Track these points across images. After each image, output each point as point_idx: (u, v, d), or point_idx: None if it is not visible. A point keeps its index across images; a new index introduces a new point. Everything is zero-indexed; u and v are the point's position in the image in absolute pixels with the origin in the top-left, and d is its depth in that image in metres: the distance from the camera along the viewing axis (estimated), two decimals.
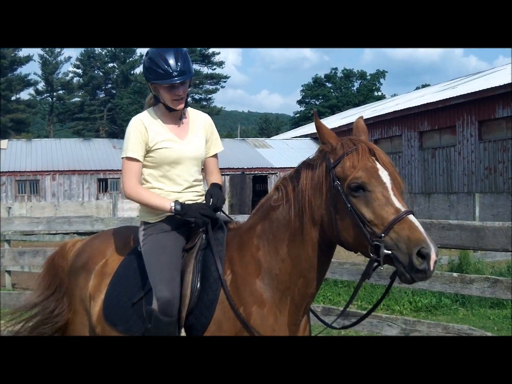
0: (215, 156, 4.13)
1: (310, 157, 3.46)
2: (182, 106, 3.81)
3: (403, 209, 3.00)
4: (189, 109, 4.02)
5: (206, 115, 4.13)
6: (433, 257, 2.87)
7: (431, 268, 2.88)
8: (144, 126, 3.81)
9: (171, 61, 3.68)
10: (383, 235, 2.96)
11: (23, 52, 77.66)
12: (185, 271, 3.54)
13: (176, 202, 3.65)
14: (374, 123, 36.54)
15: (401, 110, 33.80)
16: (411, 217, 2.99)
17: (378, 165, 3.14)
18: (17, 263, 7.57)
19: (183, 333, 3.48)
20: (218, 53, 79.32)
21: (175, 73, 3.67)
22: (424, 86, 69.60)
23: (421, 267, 2.87)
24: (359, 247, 3.14)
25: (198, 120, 4.02)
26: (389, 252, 2.95)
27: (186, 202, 3.76)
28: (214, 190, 3.82)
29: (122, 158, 3.80)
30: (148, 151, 3.81)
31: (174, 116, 3.90)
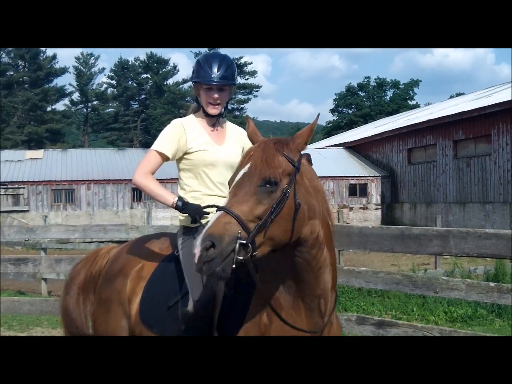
0: None
1: None
2: (216, 111, 4.02)
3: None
4: (228, 122, 4.25)
5: (241, 128, 4.30)
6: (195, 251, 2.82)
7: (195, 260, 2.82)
8: (183, 129, 4.03)
9: (214, 65, 3.95)
10: None
11: (59, 64, 78.81)
12: None
13: (179, 198, 3.84)
14: (407, 132, 36.33)
15: (435, 119, 33.52)
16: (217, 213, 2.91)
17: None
18: (53, 270, 7.68)
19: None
20: (250, 63, 79.67)
21: (214, 75, 3.92)
22: (458, 94, 68.93)
23: None
24: None
25: (234, 131, 4.23)
26: None
27: (191, 201, 3.91)
28: None
29: (150, 149, 4.06)
30: (186, 153, 4.02)
31: (211, 122, 4.09)
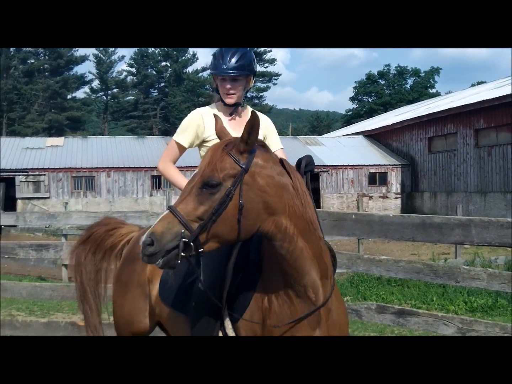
0: (279, 152, 4.25)
1: None
2: (231, 101, 4.14)
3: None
4: (250, 109, 4.26)
5: (266, 117, 4.39)
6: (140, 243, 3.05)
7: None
8: (202, 118, 4.17)
9: (227, 56, 4.03)
10: None
11: (79, 52, 79.22)
12: (230, 257, 3.61)
13: None
14: (428, 120, 36.10)
15: (456, 107, 33.28)
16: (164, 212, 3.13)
17: None
18: None
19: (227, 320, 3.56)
20: (270, 51, 79.50)
21: (224, 67, 4.02)
22: (479, 83, 68.31)
23: None
24: None
25: None
26: None
27: None
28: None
29: (171, 139, 4.29)
30: (204, 141, 4.17)
31: (229, 111, 4.22)
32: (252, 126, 3.12)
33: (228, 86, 4.07)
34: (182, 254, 2.99)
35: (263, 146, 3.30)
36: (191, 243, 3.00)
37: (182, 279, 3.93)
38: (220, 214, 3.02)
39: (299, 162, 3.55)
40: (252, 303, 3.46)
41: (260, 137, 4.17)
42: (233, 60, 4.02)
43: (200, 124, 4.15)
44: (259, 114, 4.36)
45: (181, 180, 4.14)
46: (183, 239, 2.98)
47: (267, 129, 4.31)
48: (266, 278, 3.44)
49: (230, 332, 3.48)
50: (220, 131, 3.46)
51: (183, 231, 2.99)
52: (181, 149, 4.24)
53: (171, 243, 2.99)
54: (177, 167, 4.29)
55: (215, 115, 3.52)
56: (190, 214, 3.03)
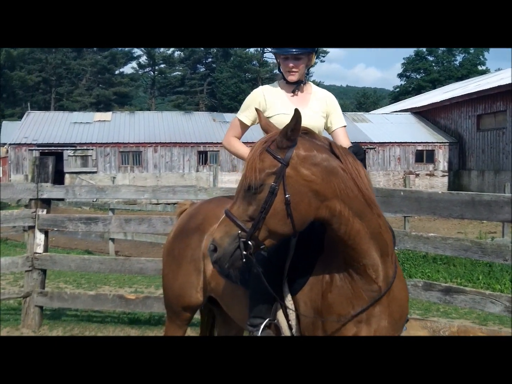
0: (341, 130, 4.31)
1: None
2: (293, 78, 4.17)
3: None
4: (313, 86, 4.38)
5: (330, 94, 4.41)
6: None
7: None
8: (263, 95, 4.25)
9: None
10: None
11: None
12: None
13: None
14: (477, 98, 35.48)
15: (506, 84, 32.59)
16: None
17: None
18: (123, 230, 7.83)
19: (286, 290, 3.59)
20: None
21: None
22: None
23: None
24: None
25: (319, 95, 4.32)
26: None
27: None
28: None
29: (235, 116, 4.40)
30: (267, 118, 4.14)
31: (291, 88, 4.25)
32: (296, 121, 3.12)
33: (291, 64, 4.11)
34: (244, 252, 3.12)
35: (307, 133, 3.29)
36: (249, 242, 3.12)
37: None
38: (268, 211, 3.09)
39: None
40: (313, 277, 3.49)
41: (323, 114, 4.26)
42: None
43: (261, 102, 4.20)
44: (324, 91, 4.39)
45: (245, 150, 4.18)
46: (242, 239, 3.11)
47: (330, 107, 4.31)
48: (327, 255, 3.46)
49: (290, 304, 3.51)
50: (266, 126, 3.48)
51: (239, 232, 3.12)
52: (243, 126, 4.32)
53: (232, 246, 3.13)
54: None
55: (256, 109, 3.54)
56: (242, 215, 3.14)
